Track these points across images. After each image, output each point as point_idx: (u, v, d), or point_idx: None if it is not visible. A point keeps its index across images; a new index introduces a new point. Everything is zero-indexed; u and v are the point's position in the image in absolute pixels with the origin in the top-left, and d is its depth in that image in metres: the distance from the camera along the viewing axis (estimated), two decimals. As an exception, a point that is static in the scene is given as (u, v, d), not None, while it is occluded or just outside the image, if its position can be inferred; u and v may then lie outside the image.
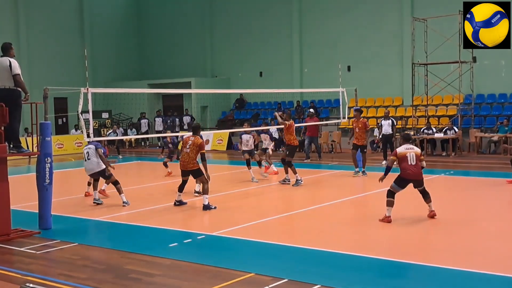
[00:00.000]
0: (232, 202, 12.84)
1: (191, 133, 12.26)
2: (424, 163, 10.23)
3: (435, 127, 22.62)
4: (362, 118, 16.90)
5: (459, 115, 22.34)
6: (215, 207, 11.71)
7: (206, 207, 11.60)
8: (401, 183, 10.08)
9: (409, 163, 9.96)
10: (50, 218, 10.37)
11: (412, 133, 22.43)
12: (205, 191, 11.74)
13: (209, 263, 7.85)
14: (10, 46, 9.99)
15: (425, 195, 10.21)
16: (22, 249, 8.97)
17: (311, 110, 22.00)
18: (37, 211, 10.41)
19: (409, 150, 10.08)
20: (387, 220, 9.93)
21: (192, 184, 13.06)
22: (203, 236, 9.44)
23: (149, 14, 35.92)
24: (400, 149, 10.17)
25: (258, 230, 9.98)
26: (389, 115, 20.40)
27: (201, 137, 11.99)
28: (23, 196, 12.88)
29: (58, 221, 10.75)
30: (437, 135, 21.84)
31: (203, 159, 11.69)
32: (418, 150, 10.24)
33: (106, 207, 12.48)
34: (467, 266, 7.39)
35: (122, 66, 35.12)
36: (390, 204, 10.00)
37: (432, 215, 10.13)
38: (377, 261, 7.89)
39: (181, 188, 12.10)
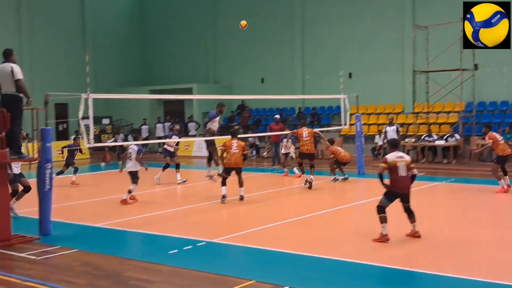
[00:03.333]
0: (233, 208, 12.82)
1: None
2: (415, 171, 9.36)
3: (436, 135, 22.61)
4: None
5: (460, 122, 22.33)
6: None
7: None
8: (391, 197, 9.24)
9: (400, 174, 9.08)
10: (50, 224, 10.35)
11: (413, 140, 22.44)
12: (243, 183, 13.52)
13: (209, 270, 7.82)
14: (12, 51, 10.04)
15: (410, 214, 9.34)
16: (22, 254, 8.96)
17: (277, 116, 22.05)
18: (37, 217, 10.40)
19: (400, 159, 9.16)
20: (385, 239, 9.12)
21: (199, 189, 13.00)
22: (204, 243, 9.41)
23: (151, 20, 36.01)
24: (391, 157, 9.17)
25: (259, 237, 9.95)
26: (394, 122, 20.44)
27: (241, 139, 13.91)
28: (23, 201, 12.85)
29: (58, 227, 10.73)
30: (438, 143, 21.83)
31: (246, 158, 13.58)
32: (408, 158, 9.34)
33: (106, 213, 12.45)
34: (469, 275, 7.36)
35: (124, 72, 35.17)
36: (384, 220, 9.14)
37: (415, 236, 9.32)
38: (379, 268, 7.86)
39: (225, 182, 13.45)
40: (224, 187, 13.33)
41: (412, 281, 7.42)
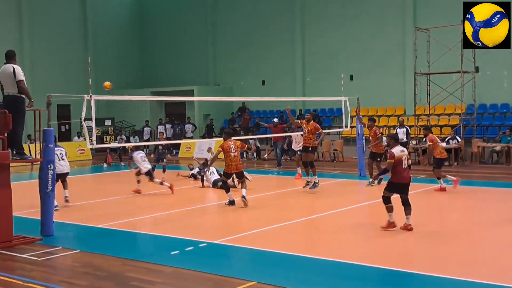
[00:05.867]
0: (234, 210, 12.82)
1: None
2: (410, 161, 10.24)
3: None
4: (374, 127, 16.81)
5: (461, 124, 22.33)
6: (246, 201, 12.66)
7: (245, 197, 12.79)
8: (394, 187, 9.95)
9: (403, 167, 9.89)
10: (52, 225, 10.36)
11: (414, 142, 22.44)
12: (246, 186, 13.00)
13: (210, 271, 7.83)
14: (14, 54, 10.07)
15: (407, 206, 9.93)
16: (23, 255, 8.97)
17: (275, 120, 22.16)
18: (39, 218, 10.41)
19: (403, 153, 9.97)
20: (392, 226, 9.88)
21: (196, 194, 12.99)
22: (205, 244, 9.42)
23: (152, 22, 36.05)
24: (397, 152, 9.90)
25: (260, 239, 9.95)
26: (404, 123, 20.55)
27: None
28: (25, 202, 12.88)
29: (60, 228, 10.74)
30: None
31: (249, 148, 12.81)
32: (406, 151, 10.20)
33: (108, 214, 12.47)
34: (470, 276, 7.35)
35: (125, 74, 35.20)
36: (390, 209, 9.92)
37: (407, 229, 9.84)
38: (381, 270, 7.86)
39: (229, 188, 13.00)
40: (230, 192, 13.01)
41: (416, 283, 7.42)
